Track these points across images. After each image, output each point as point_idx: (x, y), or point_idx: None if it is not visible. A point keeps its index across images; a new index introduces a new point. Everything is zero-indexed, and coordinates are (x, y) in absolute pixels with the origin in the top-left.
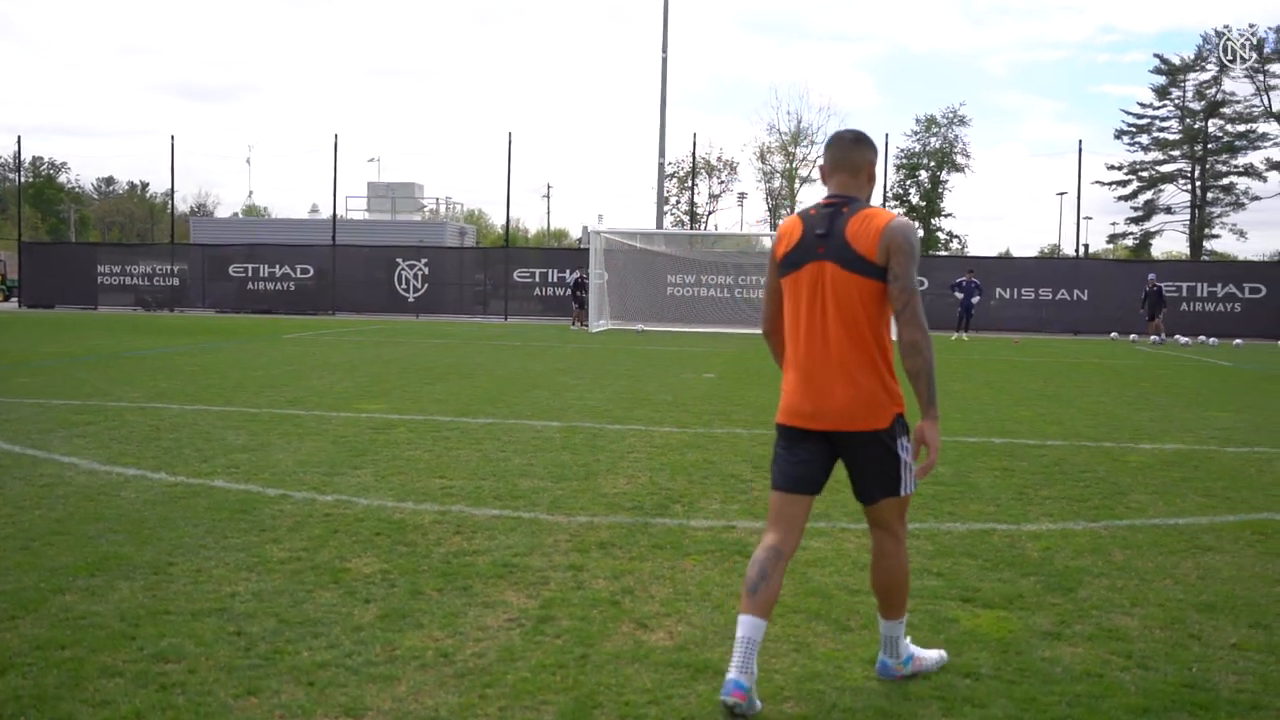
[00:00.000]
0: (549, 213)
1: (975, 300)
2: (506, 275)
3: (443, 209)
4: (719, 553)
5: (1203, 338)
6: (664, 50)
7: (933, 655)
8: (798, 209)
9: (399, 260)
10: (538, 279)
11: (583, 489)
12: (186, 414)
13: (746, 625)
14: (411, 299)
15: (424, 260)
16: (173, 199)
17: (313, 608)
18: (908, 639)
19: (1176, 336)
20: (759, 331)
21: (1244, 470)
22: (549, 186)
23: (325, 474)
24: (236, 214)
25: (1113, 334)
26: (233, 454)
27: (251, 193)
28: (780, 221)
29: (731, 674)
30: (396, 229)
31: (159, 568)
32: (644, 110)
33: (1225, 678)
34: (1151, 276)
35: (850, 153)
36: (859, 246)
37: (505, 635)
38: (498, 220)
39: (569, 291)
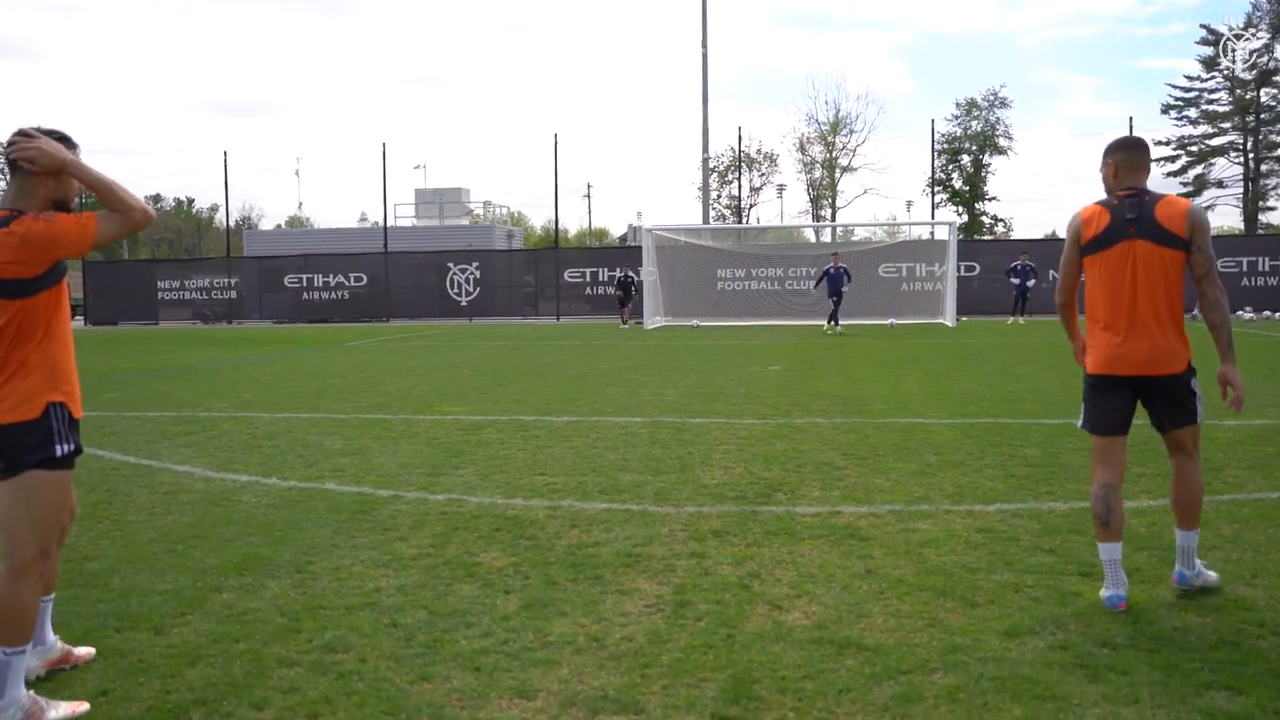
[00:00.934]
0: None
1: (1030, 284)
2: (557, 276)
3: (491, 212)
4: (832, 537)
5: (1267, 313)
6: (704, 45)
7: (1213, 574)
8: (843, 200)
9: (450, 265)
10: (588, 278)
11: (683, 481)
12: (278, 422)
13: (1110, 550)
14: (464, 303)
15: (475, 264)
16: (228, 213)
17: (456, 600)
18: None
19: (1240, 313)
20: (813, 323)
21: (1264, 439)
22: (589, 186)
23: (429, 474)
24: (280, 225)
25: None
26: (335, 458)
27: (301, 204)
28: (1082, 210)
29: (1111, 590)
30: (445, 234)
31: (300, 566)
32: (677, 106)
33: None
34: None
35: (1144, 155)
36: (1169, 225)
37: (648, 620)
38: (536, 222)
39: (615, 289)
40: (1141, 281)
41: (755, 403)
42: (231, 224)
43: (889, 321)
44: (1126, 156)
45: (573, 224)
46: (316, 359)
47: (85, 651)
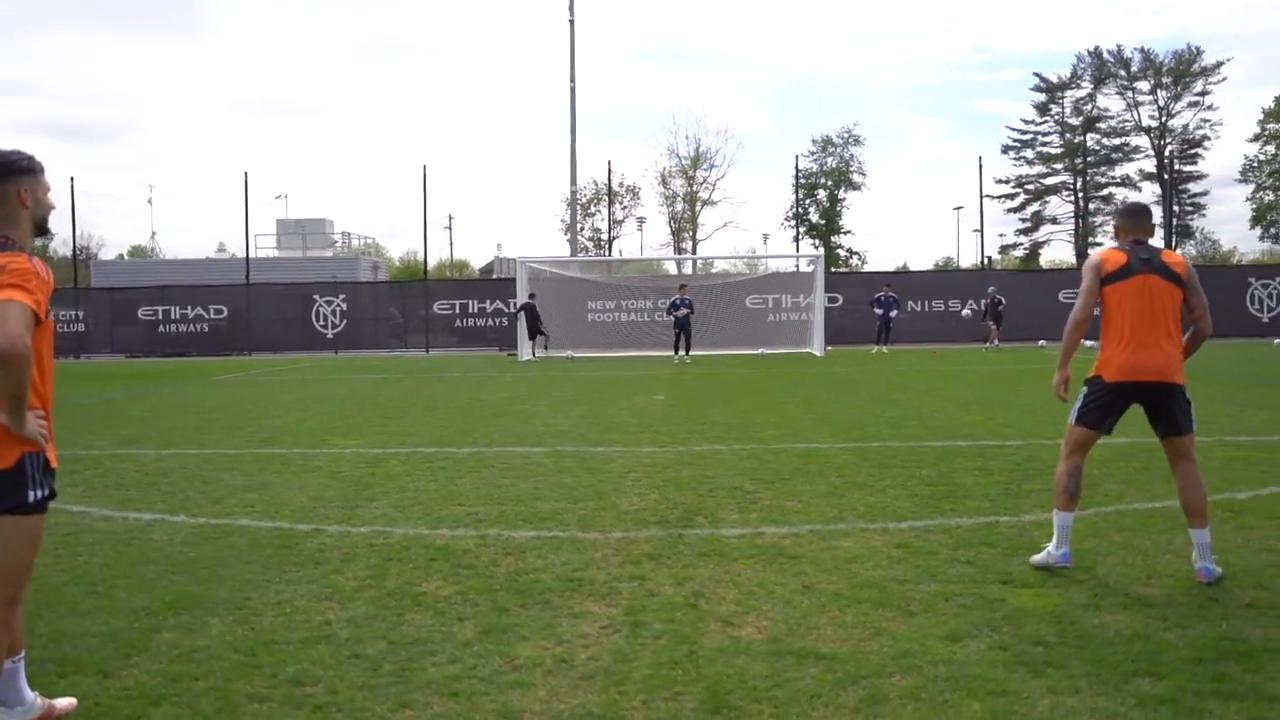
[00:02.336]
0: (451, 244)
1: (894, 314)
2: (426, 308)
3: (350, 242)
4: (762, 557)
5: (1090, 343)
6: (572, 80)
7: (1219, 569)
8: (703, 233)
9: (316, 296)
10: (457, 310)
11: (602, 508)
12: (166, 458)
13: (1067, 518)
14: (330, 335)
15: (341, 296)
16: (74, 243)
17: (412, 629)
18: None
19: (1084, 342)
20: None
21: None
22: (450, 218)
23: (344, 508)
24: (122, 255)
25: (1041, 342)
26: (240, 494)
27: (155, 233)
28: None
29: (1064, 549)
30: (309, 265)
31: (238, 603)
32: (537, 138)
33: (1253, 631)
34: (991, 289)
35: (1141, 219)
36: (1174, 268)
37: (609, 640)
38: (394, 253)
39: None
40: (1158, 306)
41: (650, 431)
42: (69, 254)
43: (760, 351)
44: (1124, 221)
45: (432, 255)
46: (186, 393)
47: (66, 702)
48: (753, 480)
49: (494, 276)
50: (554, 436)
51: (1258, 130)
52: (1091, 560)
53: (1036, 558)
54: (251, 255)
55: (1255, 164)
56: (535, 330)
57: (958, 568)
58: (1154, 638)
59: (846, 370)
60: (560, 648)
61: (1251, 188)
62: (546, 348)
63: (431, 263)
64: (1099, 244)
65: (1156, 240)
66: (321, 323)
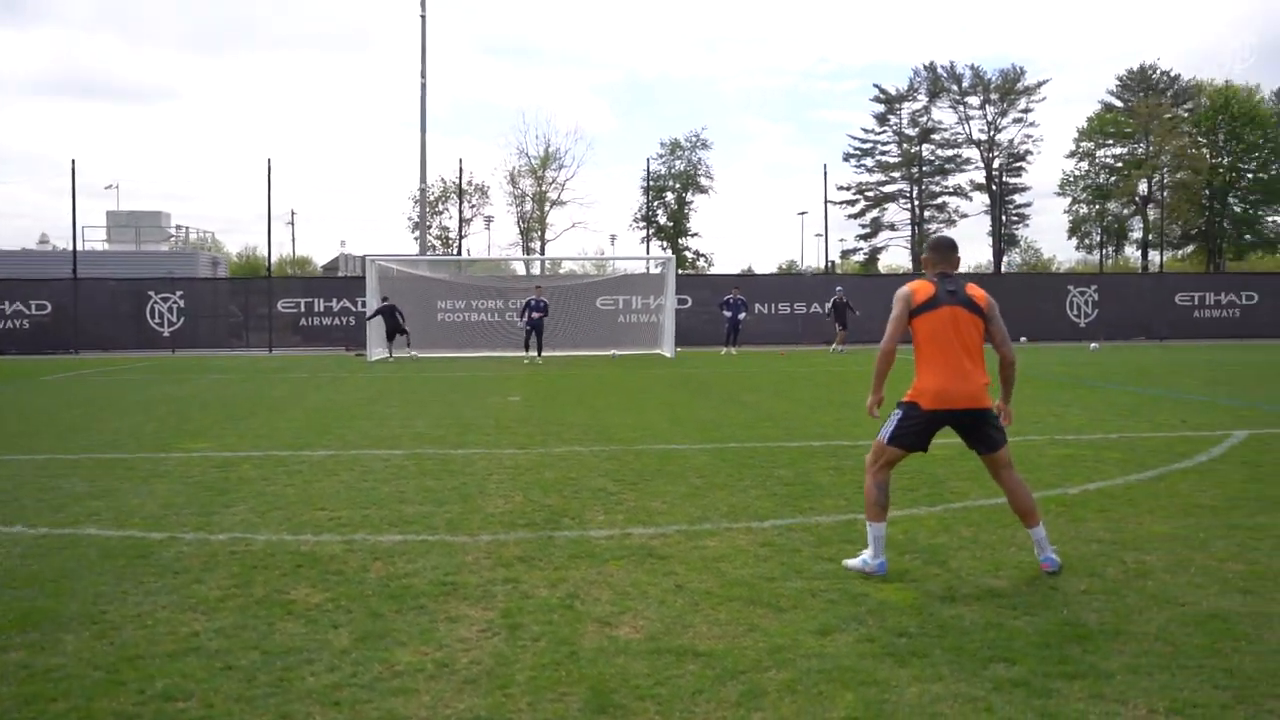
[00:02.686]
0: (294, 240)
1: (742, 316)
2: (270, 306)
3: (192, 237)
4: (633, 557)
5: (1095, 345)
6: (423, 75)
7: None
8: (552, 233)
9: (151, 293)
10: (302, 309)
11: (468, 511)
12: None
13: (880, 528)
14: (166, 333)
15: (179, 292)
16: None
17: (284, 638)
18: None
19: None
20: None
21: (1028, 456)
22: (293, 213)
23: (200, 514)
24: None
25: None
26: (83, 501)
27: None
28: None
29: (881, 559)
30: (143, 260)
31: (94, 617)
32: (380, 132)
33: (1089, 615)
34: (839, 290)
35: (953, 254)
36: (976, 301)
37: (489, 643)
38: (232, 248)
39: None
40: (964, 336)
41: (508, 433)
42: None
43: (612, 352)
44: (932, 254)
45: (273, 251)
46: (11, 395)
47: None
48: (615, 481)
49: (340, 274)
50: (412, 438)
51: (1074, 147)
52: (944, 555)
53: (851, 562)
54: (79, 248)
55: (1072, 179)
56: (396, 330)
57: (821, 564)
58: (1005, 626)
59: (698, 372)
60: (440, 652)
61: (1069, 201)
62: (409, 345)
63: (273, 259)
64: None
65: (985, 251)
66: (157, 320)
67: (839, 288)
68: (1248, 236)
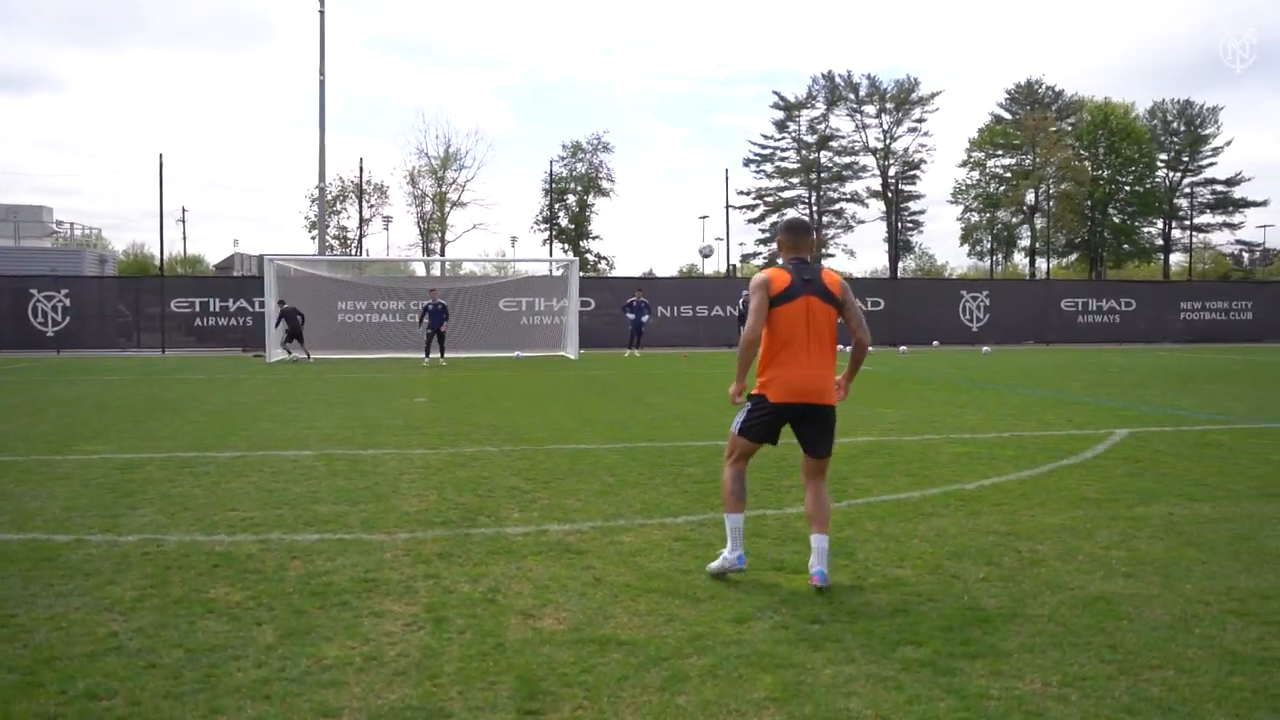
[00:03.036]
0: (185, 238)
1: (645, 319)
2: (163, 305)
3: (77, 234)
4: (550, 553)
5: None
6: (321, 73)
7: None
8: (452, 234)
9: (34, 291)
10: (197, 309)
11: (383, 510)
12: None
13: (737, 520)
14: (50, 333)
15: (64, 291)
16: None
17: (208, 636)
18: None
19: None
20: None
21: (926, 454)
22: (184, 210)
23: (105, 516)
24: None
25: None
26: None
27: None
28: (761, 270)
29: (739, 551)
30: (24, 257)
31: (3, 622)
32: (273, 130)
33: (988, 600)
34: (744, 294)
35: (808, 237)
36: (830, 288)
37: (414, 637)
38: (118, 245)
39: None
40: (816, 327)
41: (418, 434)
42: None
43: (516, 354)
44: (786, 236)
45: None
46: None
47: None
48: (528, 480)
49: (235, 274)
50: (320, 439)
51: (965, 157)
52: (851, 546)
53: (713, 565)
54: None
55: (963, 187)
56: (297, 333)
57: None
58: (911, 611)
59: (602, 373)
60: (367, 646)
61: (961, 208)
62: (303, 350)
63: (163, 257)
64: (831, 255)
65: (881, 257)
66: (40, 319)
67: (745, 291)
68: (1125, 246)
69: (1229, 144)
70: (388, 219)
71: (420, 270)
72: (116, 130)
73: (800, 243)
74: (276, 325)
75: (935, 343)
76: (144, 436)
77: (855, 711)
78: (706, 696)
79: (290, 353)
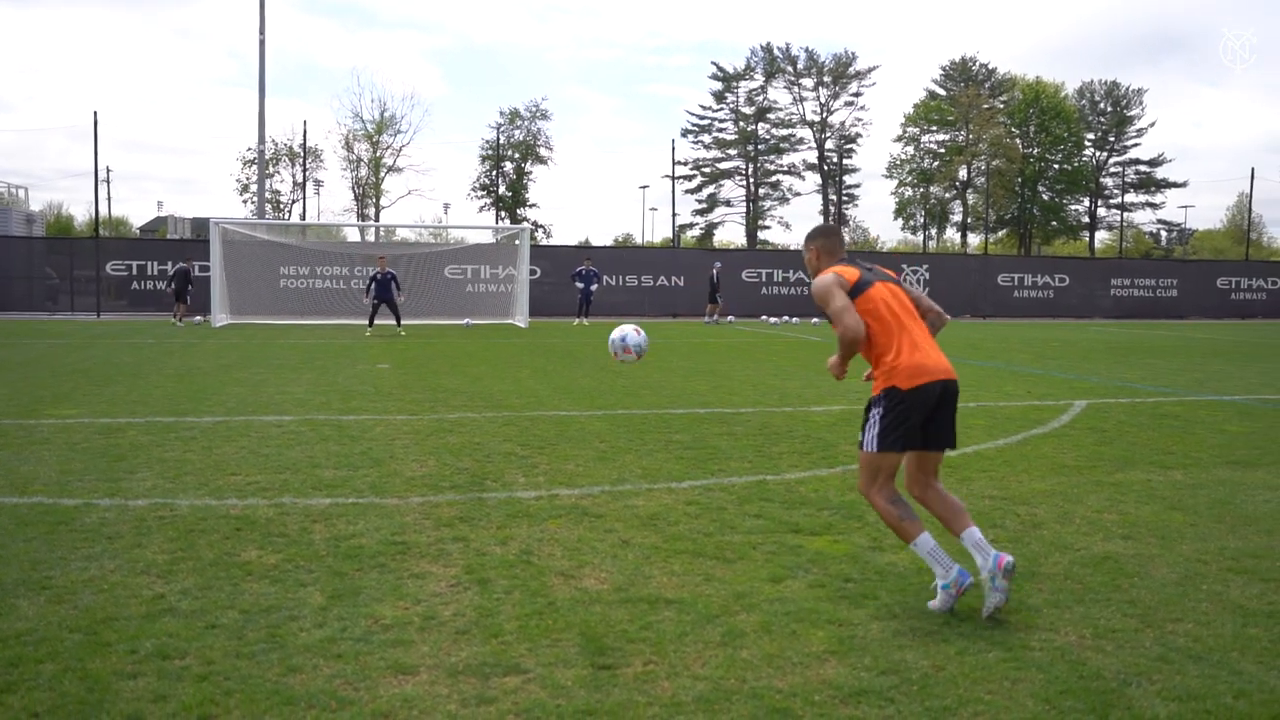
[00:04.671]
0: (109, 199)
1: (594, 288)
2: (98, 268)
3: (5, 193)
4: (569, 516)
5: (787, 318)
6: (261, 32)
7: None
8: (387, 200)
9: None
10: (134, 271)
11: (387, 474)
12: None
13: (929, 540)
14: None
15: None
16: None
17: (257, 598)
18: None
19: (764, 316)
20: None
21: None
22: (109, 170)
23: (105, 480)
24: None
25: (729, 317)
26: None
27: None
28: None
29: (954, 567)
30: None
31: (42, 583)
32: (199, 89)
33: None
34: (717, 265)
35: (843, 238)
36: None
37: (464, 597)
38: (34, 206)
39: (169, 285)
40: (908, 309)
41: (393, 399)
42: None
43: (465, 321)
44: (833, 240)
45: (83, 210)
46: None
47: None
48: (522, 446)
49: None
50: (297, 405)
51: (900, 132)
52: (859, 511)
53: (936, 603)
54: None
55: (898, 162)
56: (184, 293)
57: (749, 520)
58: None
59: (558, 341)
60: (419, 606)
61: (895, 183)
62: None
63: (82, 218)
64: (767, 227)
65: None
66: None
67: (717, 263)
68: (1054, 223)
69: (1152, 125)
70: (319, 183)
71: (355, 236)
72: (29, 86)
73: (839, 245)
74: (172, 283)
75: (814, 320)
76: (113, 401)
77: (911, 662)
78: (767, 650)
79: (179, 318)
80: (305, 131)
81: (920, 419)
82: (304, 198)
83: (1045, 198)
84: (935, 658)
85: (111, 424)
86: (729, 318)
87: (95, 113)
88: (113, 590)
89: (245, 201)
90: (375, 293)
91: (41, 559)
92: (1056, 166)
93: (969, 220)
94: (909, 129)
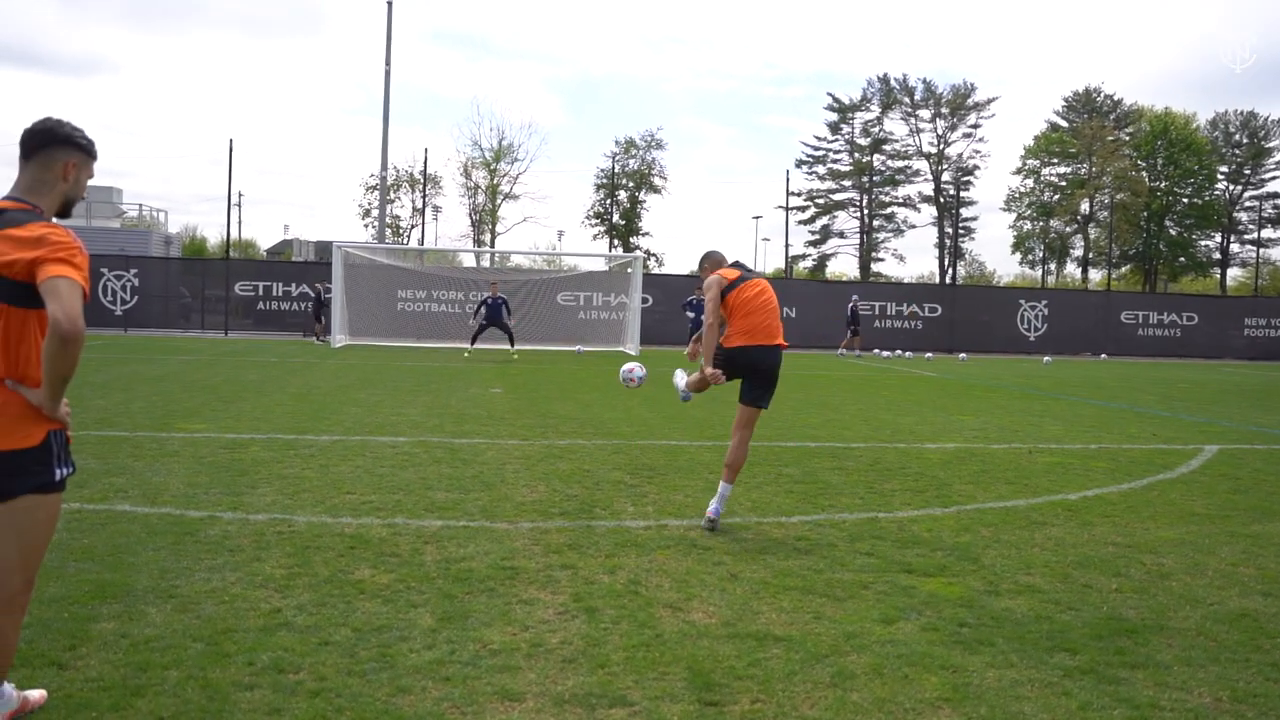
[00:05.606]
0: (241, 222)
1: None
2: (228, 288)
3: (146, 216)
4: (677, 547)
5: (899, 351)
6: (387, 63)
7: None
8: (503, 226)
9: (104, 270)
10: (260, 292)
11: (498, 498)
12: None
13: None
14: (119, 312)
15: (133, 271)
16: None
17: (368, 616)
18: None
19: (877, 350)
20: (498, 347)
21: (1018, 462)
22: (240, 195)
23: (229, 494)
24: None
25: (840, 350)
26: (104, 478)
27: None
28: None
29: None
30: (95, 236)
31: (168, 592)
32: (323, 118)
33: (1128, 611)
34: (855, 297)
35: (718, 258)
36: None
37: (572, 625)
38: (171, 228)
39: (311, 306)
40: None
41: (505, 424)
42: None
43: (577, 348)
44: (712, 263)
45: (216, 233)
46: None
47: (38, 694)
48: (631, 475)
49: (297, 259)
50: (410, 426)
51: (1020, 164)
52: (975, 552)
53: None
54: None
55: (1017, 195)
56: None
57: (860, 558)
58: (1054, 619)
59: (668, 370)
60: (527, 633)
61: (1013, 216)
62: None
63: (214, 240)
64: (881, 259)
65: (930, 263)
66: (110, 298)
67: (855, 295)
68: (1182, 259)
69: None
70: (437, 209)
71: (470, 261)
72: (167, 114)
73: (719, 261)
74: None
75: (962, 356)
76: (238, 417)
77: (1029, 715)
78: (878, 694)
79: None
80: (426, 159)
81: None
82: (423, 223)
83: (1173, 233)
84: (1055, 712)
85: (236, 439)
86: (871, 351)
87: (231, 140)
88: (233, 602)
89: (366, 226)
90: (485, 315)
91: (169, 568)
92: (1186, 200)
93: (1090, 255)
94: (1029, 161)
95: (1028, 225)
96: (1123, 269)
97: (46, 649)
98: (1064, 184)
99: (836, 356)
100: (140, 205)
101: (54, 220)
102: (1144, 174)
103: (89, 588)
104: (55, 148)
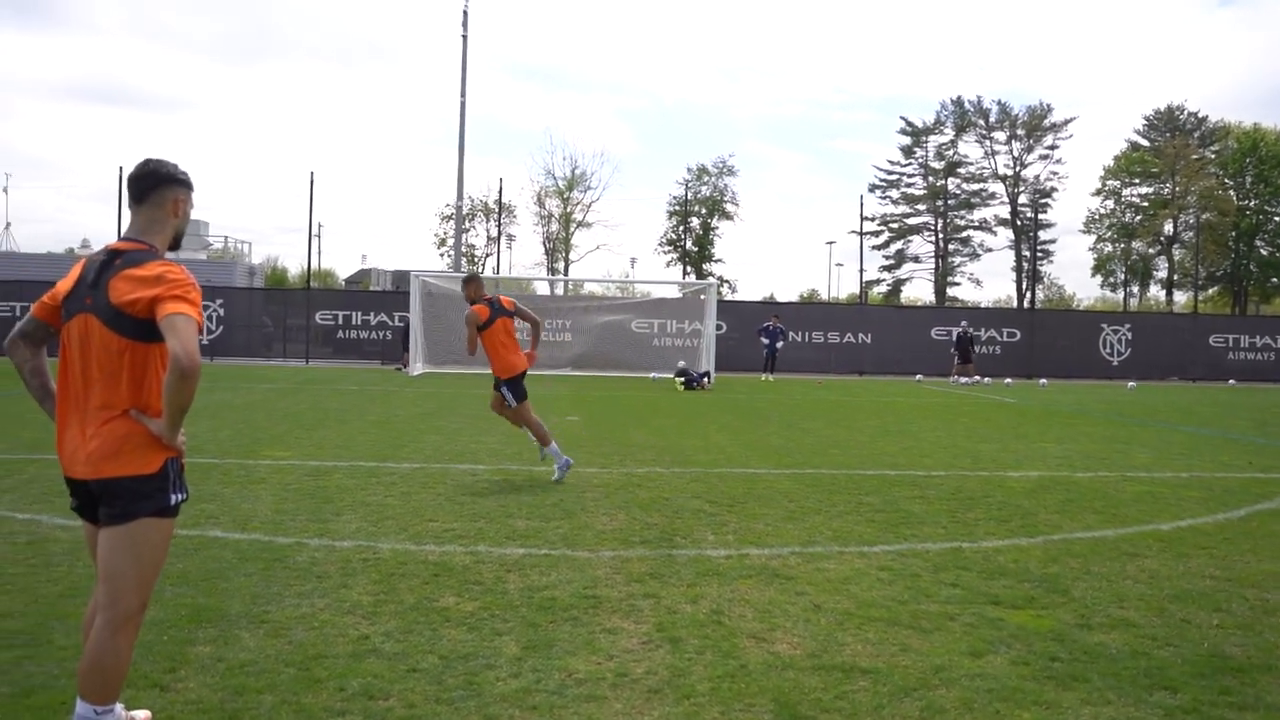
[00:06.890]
0: (320, 252)
1: (780, 344)
2: (309, 318)
3: (232, 247)
4: (759, 577)
5: (979, 378)
6: (463, 95)
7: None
8: (576, 254)
9: None
10: (340, 321)
11: (578, 527)
12: None
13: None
14: (205, 341)
15: (219, 301)
16: None
17: (455, 644)
18: None
19: (956, 377)
20: (576, 374)
21: (1105, 491)
22: (320, 225)
23: (315, 521)
24: None
25: (918, 376)
26: (196, 504)
27: (9, 224)
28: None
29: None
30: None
31: (260, 617)
32: (402, 148)
33: (1232, 649)
34: (964, 323)
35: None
36: (506, 305)
37: (656, 655)
38: (253, 259)
39: (398, 335)
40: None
41: (583, 452)
42: None
43: (652, 375)
44: (471, 289)
45: (296, 263)
46: None
47: (144, 715)
48: (710, 503)
49: (374, 289)
50: (490, 454)
51: (1100, 185)
52: (1064, 584)
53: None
54: None
55: (1097, 216)
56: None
57: (945, 589)
58: (1152, 655)
59: (743, 398)
60: (612, 662)
61: (1093, 238)
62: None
63: (295, 270)
64: (957, 284)
65: (1008, 286)
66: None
67: (964, 321)
68: (1274, 280)
69: None
70: (511, 238)
71: (544, 289)
72: (244, 146)
73: (478, 289)
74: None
75: (1042, 381)
76: (321, 445)
77: None
78: None
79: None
80: (501, 188)
81: None
82: (498, 251)
83: (1264, 253)
84: None
85: (320, 466)
86: (984, 379)
87: (311, 174)
88: (322, 628)
89: (442, 255)
90: None
91: (260, 594)
92: (1278, 219)
93: (1175, 277)
94: (1109, 182)
95: (1109, 247)
96: (1210, 291)
97: (149, 670)
98: (1146, 204)
99: (950, 383)
100: (225, 237)
101: (167, 255)
102: (1231, 192)
103: (186, 611)
104: (164, 187)
